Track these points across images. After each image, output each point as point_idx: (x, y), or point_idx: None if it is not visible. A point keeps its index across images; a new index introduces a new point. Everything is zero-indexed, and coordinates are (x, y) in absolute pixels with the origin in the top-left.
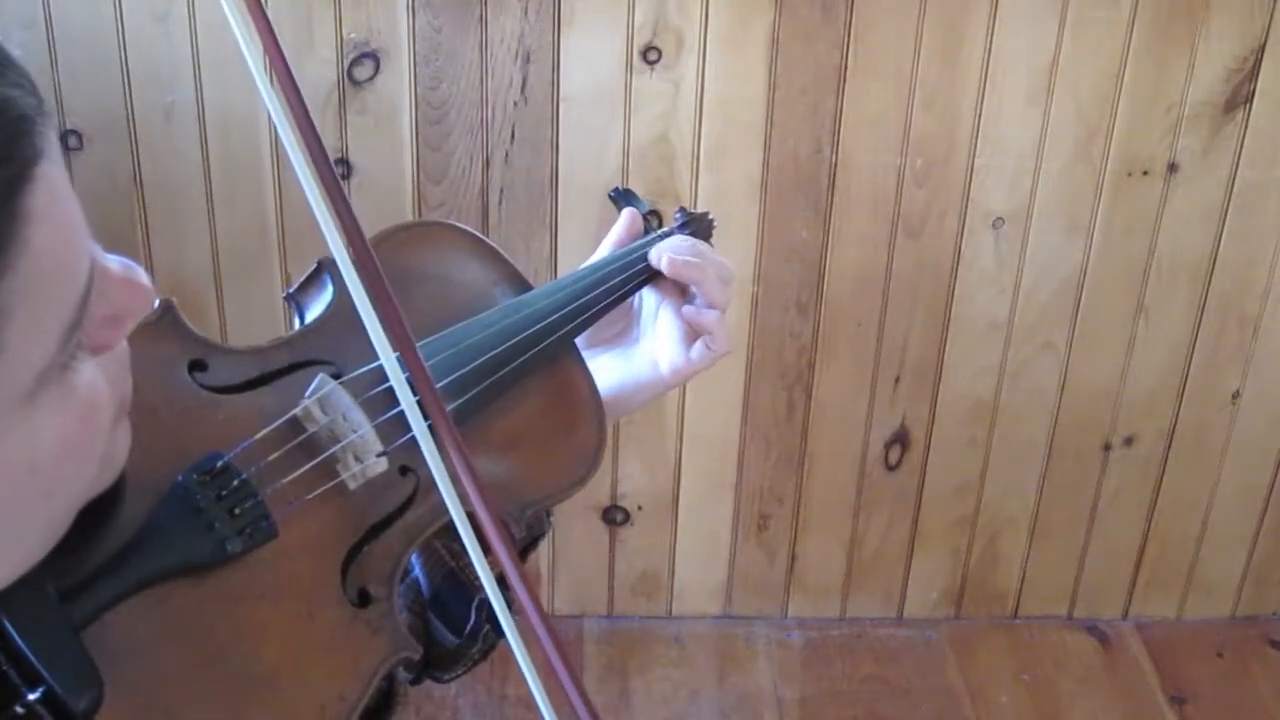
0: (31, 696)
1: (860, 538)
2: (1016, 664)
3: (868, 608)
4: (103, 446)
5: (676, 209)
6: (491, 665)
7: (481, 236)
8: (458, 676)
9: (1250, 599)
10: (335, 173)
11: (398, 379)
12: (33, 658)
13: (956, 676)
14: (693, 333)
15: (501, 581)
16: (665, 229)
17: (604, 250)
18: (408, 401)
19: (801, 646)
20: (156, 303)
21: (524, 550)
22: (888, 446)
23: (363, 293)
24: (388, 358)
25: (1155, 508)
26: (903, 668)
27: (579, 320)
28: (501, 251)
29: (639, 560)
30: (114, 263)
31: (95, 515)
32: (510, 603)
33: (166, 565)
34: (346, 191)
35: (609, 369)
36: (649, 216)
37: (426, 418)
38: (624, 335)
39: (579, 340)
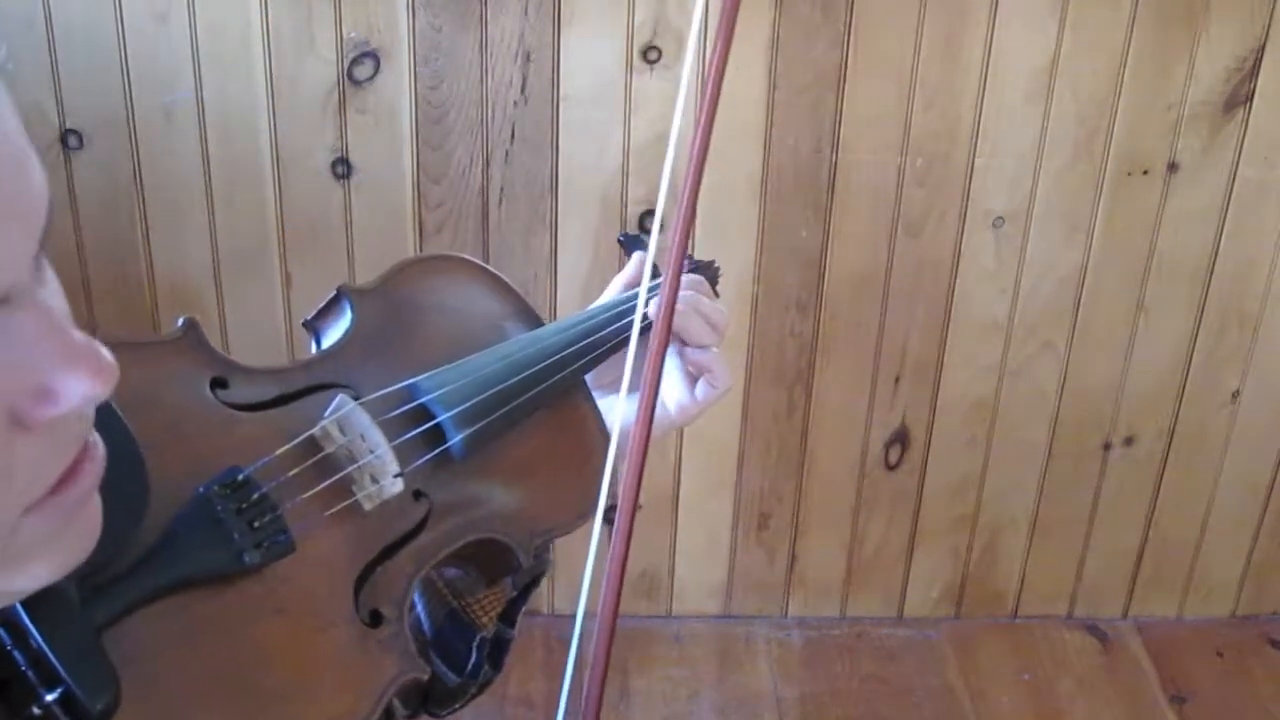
0: (49, 697)
1: (860, 538)
2: (1016, 664)
3: (868, 607)
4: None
5: (685, 258)
6: None
7: (498, 273)
8: (454, 711)
9: (1250, 599)
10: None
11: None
12: (53, 658)
13: (956, 676)
14: (694, 373)
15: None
16: None
17: (613, 290)
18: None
19: (801, 646)
20: (181, 320)
21: (525, 588)
22: (888, 446)
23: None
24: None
25: (1155, 507)
26: (903, 668)
27: (590, 357)
28: (515, 288)
29: (639, 560)
30: (76, 336)
31: (117, 523)
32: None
33: (185, 574)
34: (347, 190)
35: (618, 410)
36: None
37: (462, 431)
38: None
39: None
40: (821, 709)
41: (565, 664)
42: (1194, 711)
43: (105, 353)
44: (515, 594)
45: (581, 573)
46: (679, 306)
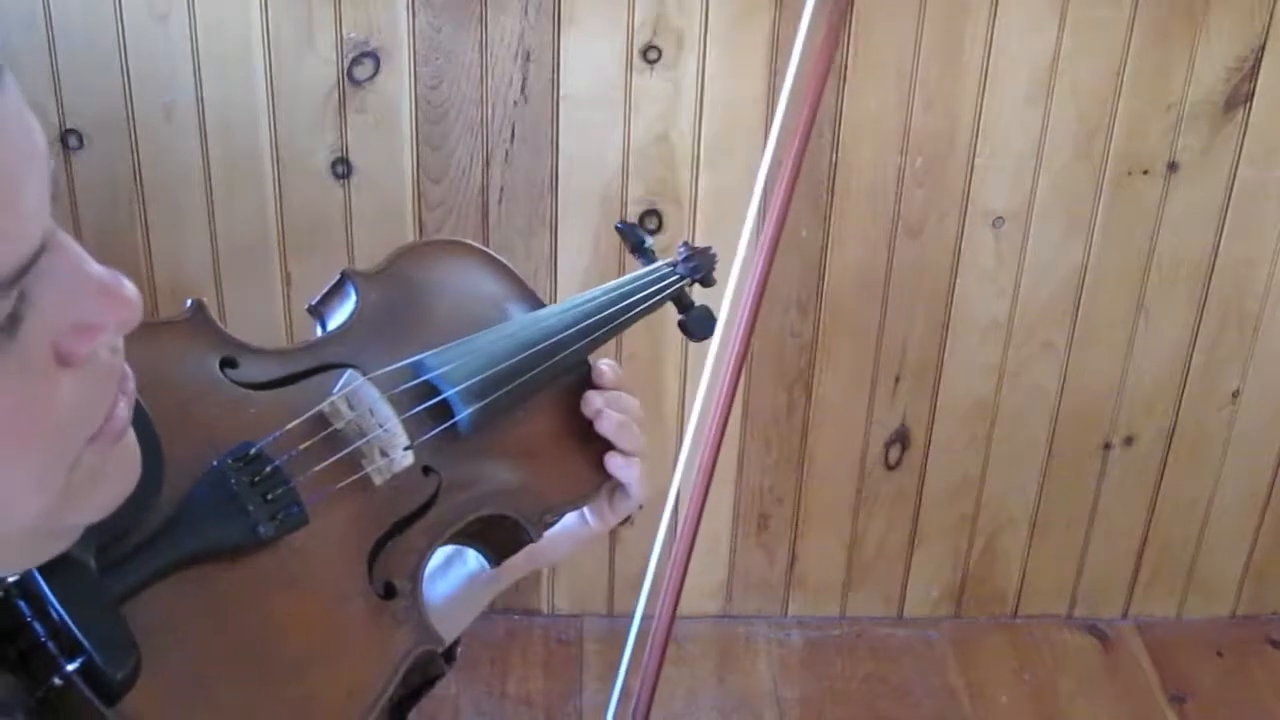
0: (70, 667)
1: (860, 537)
2: (1016, 664)
3: (868, 607)
4: (46, 463)
5: (680, 244)
6: (492, 664)
7: (499, 256)
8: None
9: (1250, 598)
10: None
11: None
12: (74, 628)
13: (956, 676)
14: (613, 486)
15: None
16: (669, 260)
17: None
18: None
19: (801, 646)
20: (189, 302)
21: (417, 690)
22: (888, 446)
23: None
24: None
25: (1155, 507)
26: (903, 668)
27: (592, 337)
28: (517, 273)
29: (639, 560)
30: (97, 269)
31: (133, 496)
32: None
33: (201, 546)
34: (347, 190)
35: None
36: (647, 251)
37: (469, 407)
38: None
39: None
40: (821, 709)
41: (569, 663)
42: (1194, 711)
43: (127, 280)
44: (406, 692)
45: (578, 573)
46: (617, 417)
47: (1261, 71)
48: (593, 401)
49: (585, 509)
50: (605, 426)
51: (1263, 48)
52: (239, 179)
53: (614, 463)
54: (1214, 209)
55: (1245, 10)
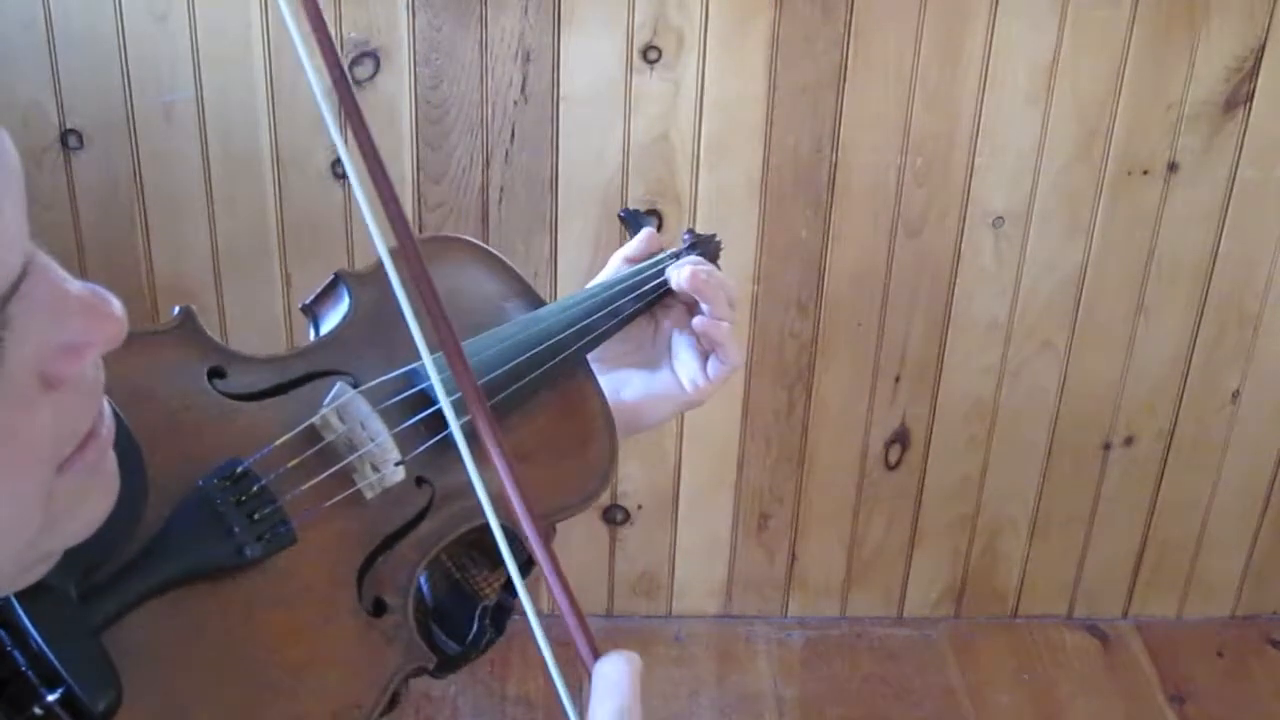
0: (50, 697)
1: (860, 537)
2: (1016, 664)
3: (868, 607)
4: (29, 495)
5: (685, 231)
6: (491, 665)
7: (497, 253)
8: (454, 673)
9: (1250, 599)
10: (388, 176)
11: (434, 373)
12: (52, 658)
13: (956, 676)
14: (706, 350)
15: (510, 587)
16: (673, 250)
17: (614, 263)
18: (444, 398)
19: (801, 646)
20: (176, 310)
21: (530, 559)
22: (888, 446)
23: (402, 291)
24: (426, 354)
25: (1155, 508)
26: (903, 667)
27: (591, 337)
28: (515, 269)
29: (639, 559)
30: (78, 287)
31: (115, 518)
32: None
33: (186, 569)
34: (347, 190)
35: (635, 382)
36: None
37: (465, 415)
38: (644, 354)
39: (598, 357)
40: (821, 709)
41: (569, 663)
42: (1194, 711)
43: (111, 296)
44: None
45: (578, 573)
46: (702, 275)
47: (1261, 71)
48: (682, 268)
49: (680, 375)
50: (689, 283)
51: (1263, 48)
52: (239, 179)
53: (702, 323)
54: (1214, 209)
55: (1245, 10)
